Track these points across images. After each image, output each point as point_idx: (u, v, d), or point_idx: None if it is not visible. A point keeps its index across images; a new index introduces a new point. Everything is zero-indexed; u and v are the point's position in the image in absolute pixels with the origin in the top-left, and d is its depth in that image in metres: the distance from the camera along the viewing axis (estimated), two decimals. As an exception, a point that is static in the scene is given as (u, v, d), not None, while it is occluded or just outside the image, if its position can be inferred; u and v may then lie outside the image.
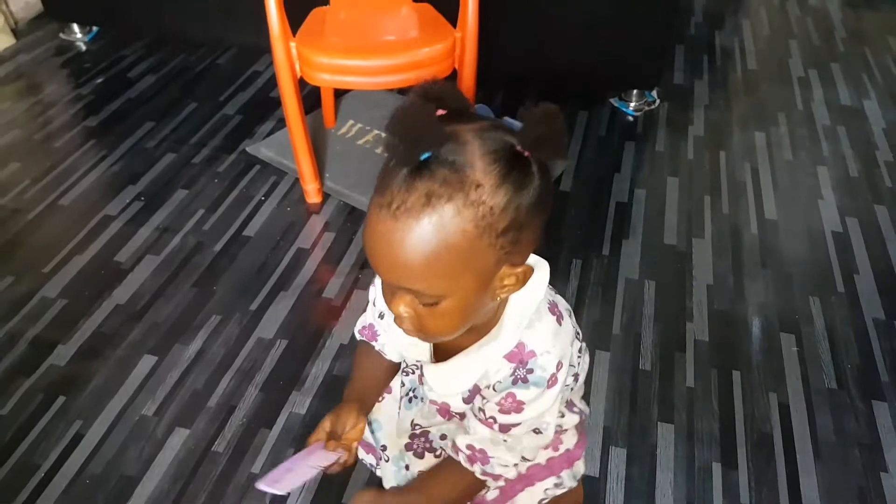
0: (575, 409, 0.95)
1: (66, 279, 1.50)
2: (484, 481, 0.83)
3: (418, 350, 0.81)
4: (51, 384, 1.30)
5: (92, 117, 1.99)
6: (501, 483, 0.84)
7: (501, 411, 0.76)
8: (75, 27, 2.31)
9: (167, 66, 2.20)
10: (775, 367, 1.35)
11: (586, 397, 1.28)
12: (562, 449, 0.93)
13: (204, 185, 1.76)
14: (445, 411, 0.86)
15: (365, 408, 0.88)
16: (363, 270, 1.54)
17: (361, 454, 1.02)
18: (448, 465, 0.85)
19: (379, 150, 1.88)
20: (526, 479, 0.92)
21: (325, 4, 1.69)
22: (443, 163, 0.60)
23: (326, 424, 0.82)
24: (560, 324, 0.76)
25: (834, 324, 1.44)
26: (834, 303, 1.49)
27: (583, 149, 1.92)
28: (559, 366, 0.74)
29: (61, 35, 2.32)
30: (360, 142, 1.91)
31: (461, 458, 0.82)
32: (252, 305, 1.46)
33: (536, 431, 0.79)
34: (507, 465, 0.81)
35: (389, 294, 0.68)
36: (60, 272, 1.52)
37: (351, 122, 1.98)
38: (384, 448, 0.96)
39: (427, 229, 0.60)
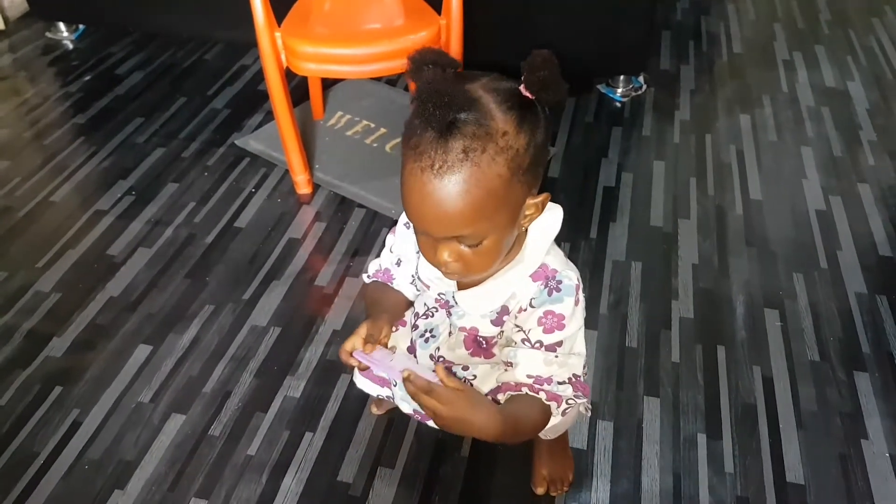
0: None
1: (59, 273, 1.52)
2: (549, 409, 0.84)
3: (446, 282, 0.87)
4: (47, 375, 1.32)
5: (81, 114, 2.00)
6: (564, 407, 0.85)
7: (545, 331, 0.82)
8: (62, 26, 2.31)
9: (155, 63, 2.21)
10: (759, 341, 1.37)
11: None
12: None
13: (194, 179, 1.78)
14: (472, 340, 0.89)
15: (393, 319, 0.90)
16: (354, 258, 1.56)
17: (375, 389, 1.06)
18: (518, 396, 0.84)
19: (388, 147, 1.90)
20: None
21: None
22: (467, 120, 0.68)
23: (363, 331, 0.82)
24: (566, 260, 0.87)
25: (817, 299, 1.46)
26: (817, 279, 1.51)
27: (570, 135, 1.94)
28: (578, 286, 0.83)
29: (48, 34, 2.33)
30: (349, 132, 1.93)
31: (525, 391, 0.83)
32: (245, 295, 1.48)
33: (574, 353, 0.86)
34: (563, 383, 0.84)
35: (433, 247, 0.76)
36: (54, 266, 1.54)
37: (339, 113, 2.00)
38: None
39: (470, 181, 0.68)
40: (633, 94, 2.10)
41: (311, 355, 1.35)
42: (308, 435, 1.22)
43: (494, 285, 0.83)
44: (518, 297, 0.83)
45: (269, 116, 1.91)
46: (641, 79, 2.13)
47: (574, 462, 1.16)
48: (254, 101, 2.04)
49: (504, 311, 0.84)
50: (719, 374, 1.31)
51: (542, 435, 0.99)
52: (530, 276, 0.82)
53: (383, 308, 0.92)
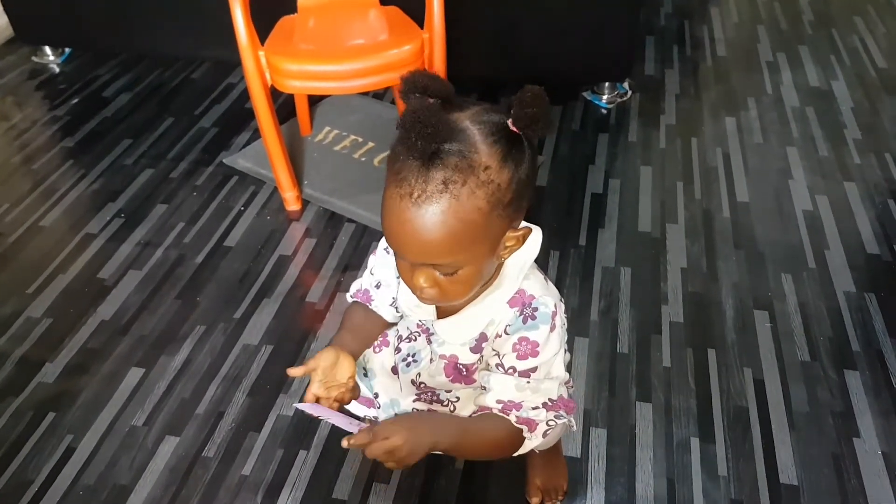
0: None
1: (50, 298, 1.52)
2: (520, 432, 0.84)
3: (424, 310, 0.88)
4: (40, 401, 1.31)
5: (69, 138, 2.00)
6: (537, 434, 0.85)
7: (519, 357, 0.82)
8: (47, 50, 2.32)
9: (142, 84, 2.22)
10: (749, 343, 1.38)
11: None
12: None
13: (183, 199, 1.78)
14: (452, 367, 0.89)
15: (362, 346, 0.94)
16: (345, 274, 1.57)
17: (360, 409, 1.05)
18: (485, 413, 0.85)
19: (377, 161, 1.91)
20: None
21: (293, 13, 1.72)
22: (451, 151, 0.69)
23: (324, 362, 0.83)
24: (547, 282, 0.86)
25: (806, 299, 1.47)
26: (806, 279, 1.52)
27: (557, 143, 1.95)
28: (556, 307, 0.83)
29: (34, 58, 2.33)
30: (338, 147, 1.94)
31: (495, 412, 0.84)
32: (236, 314, 1.48)
33: (549, 378, 0.85)
34: (537, 408, 0.84)
35: (409, 271, 0.76)
36: (44, 292, 1.53)
37: (327, 128, 2.00)
38: (376, 395, 1.01)
39: (448, 212, 0.69)
40: (619, 100, 2.11)
41: (304, 372, 1.35)
42: (302, 453, 1.22)
43: (472, 313, 0.83)
44: (496, 324, 0.83)
45: (257, 134, 1.90)
46: (626, 85, 2.14)
47: (568, 470, 1.17)
48: (241, 119, 2.05)
49: (483, 338, 0.85)
50: (710, 378, 1.32)
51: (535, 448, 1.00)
52: (507, 301, 0.82)
53: (355, 332, 0.92)
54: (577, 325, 1.42)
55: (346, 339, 0.91)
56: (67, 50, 2.35)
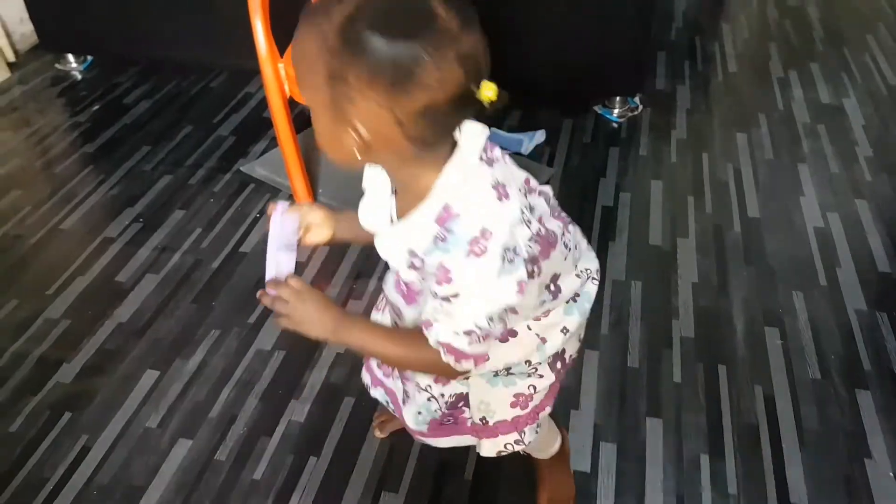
0: (558, 367, 0.95)
1: (69, 300, 1.55)
2: (439, 354, 0.80)
3: (377, 219, 0.84)
4: (57, 401, 1.34)
5: (89, 144, 2.04)
6: (465, 366, 0.80)
7: (436, 282, 0.75)
8: (70, 57, 2.36)
9: (161, 92, 2.25)
10: (760, 360, 1.39)
11: (575, 397, 1.32)
12: (530, 406, 0.95)
13: (200, 205, 1.81)
14: (398, 282, 0.88)
15: (336, 223, 0.93)
16: (357, 281, 1.58)
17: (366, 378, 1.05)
18: (410, 329, 0.87)
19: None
20: (490, 431, 0.95)
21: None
22: None
23: (311, 217, 0.90)
24: (501, 200, 0.75)
25: (817, 316, 1.48)
26: (817, 296, 1.52)
27: (568, 156, 1.96)
28: (485, 234, 0.73)
29: (57, 65, 2.37)
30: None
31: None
32: (250, 319, 1.50)
33: (492, 321, 0.77)
34: (456, 333, 0.77)
35: None
36: (63, 294, 1.56)
37: (342, 138, 2.03)
38: None
39: (300, 36, 0.69)
40: (630, 114, 2.12)
41: (315, 379, 1.37)
42: (312, 459, 1.23)
43: (401, 229, 0.78)
44: (416, 242, 0.76)
45: (274, 143, 1.94)
46: (637, 99, 2.16)
47: (577, 485, 1.17)
48: (259, 127, 2.08)
49: (413, 255, 0.78)
50: (721, 394, 1.32)
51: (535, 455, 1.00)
52: (435, 219, 0.74)
53: (352, 219, 0.89)
54: (586, 338, 1.42)
55: (342, 216, 0.92)
56: (90, 58, 2.38)
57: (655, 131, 2.06)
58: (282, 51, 1.60)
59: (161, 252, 1.67)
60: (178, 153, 1.99)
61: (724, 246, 1.66)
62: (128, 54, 2.36)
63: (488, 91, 0.70)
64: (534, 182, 0.85)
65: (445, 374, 0.86)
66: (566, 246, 0.87)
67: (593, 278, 0.95)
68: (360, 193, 0.87)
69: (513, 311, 0.78)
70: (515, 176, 0.81)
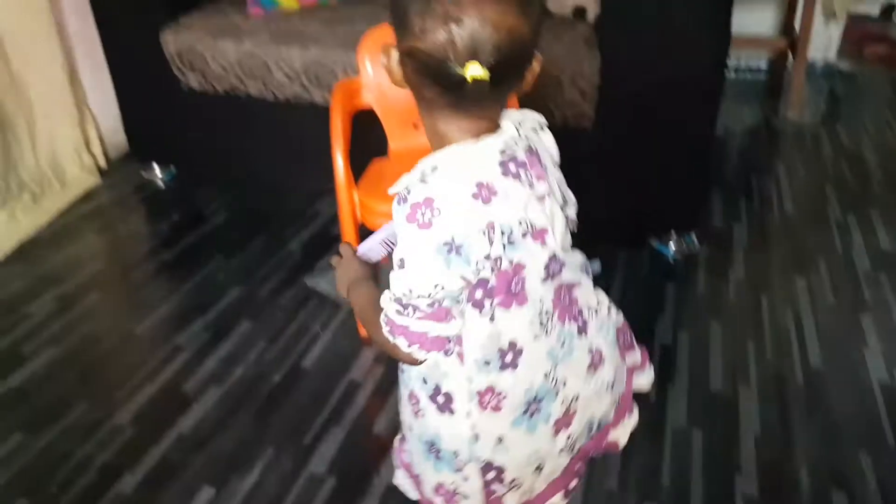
0: (490, 484, 0.88)
1: (136, 407, 1.60)
2: (386, 337, 0.82)
3: None
4: (117, 513, 1.36)
5: (167, 251, 2.16)
6: (399, 343, 0.81)
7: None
8: (156, 167, 2.53)
9: (238, 205, 2.39)
10: (827, 524, 1.34)
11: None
12: None
13: (267, 317, 1.88)
14: None
15: None
16: (414, 407, 1.60)
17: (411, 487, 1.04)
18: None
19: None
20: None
21: (385, 156, 1.86)
22: None
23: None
24: (474, 199, 0.75)
25: (886, 480, 1.42)
26: (885, 458, 1.47)
27: (625, 289, 1.99)
28: (430, 205, 0.73)
29: (143, 174, 2.55)
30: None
31: None
32: (305, 439, 1.52)
33: (420, 296, 0.76)
34: (390, 298, 0.80)
35: None
36: (131, 400, 1.62)
37: (404, 258, 2.10)
38: None
39: None
40: (686, 250, 2.15)
41: (369, 508, 1.37)
42: None
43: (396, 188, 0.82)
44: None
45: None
46: (694, 236, 2.19)
47: None
48: (326, 243, 2.17)
49: None
50: (786, 559, 1.27)
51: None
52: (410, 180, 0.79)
53: None
54: (645, 488, 1.40)
55: None
56: (174, 168, 2.56)
57: (713, 269, 2.08)
58: (355, 178, 1.70)
59: (227, 364, 1.72)
60: (249, 265, 2.08)
61: (787, 396, 1.63)
62: (210, 168, 2.52)
63: (473, 67, 0.70)
64: (553, 241, 0.82)
65: (389, 349, 0.83)
66: (542, 324, 0.83)
67: (573, 399, 0.87)
68: None
69: (448, 297, 0.76)
70: (522, 205, 0.78)
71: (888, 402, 1.62)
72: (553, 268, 0.83)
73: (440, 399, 0.86)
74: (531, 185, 0.79)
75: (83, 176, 2.46)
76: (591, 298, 0.93)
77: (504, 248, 0.77)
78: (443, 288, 0.76)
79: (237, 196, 2.43)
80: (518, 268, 0.79)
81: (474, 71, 0.70)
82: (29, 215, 2.24)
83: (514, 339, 0.82)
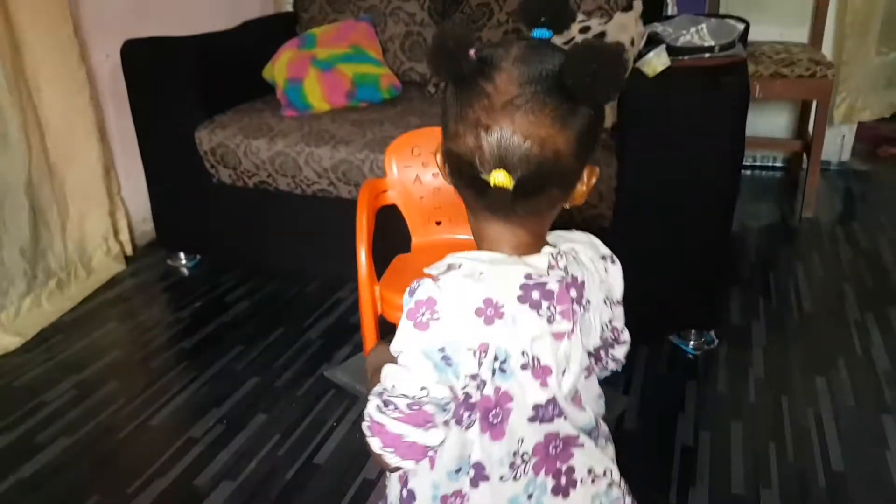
0: None
1: (147, 501, 1.58)
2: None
3: None
4: None
5: (187, 340, 2.18)
6: (372, 443, 0.81)
7: None
8: (181, 255, 2.60)
9: (260, 293, 2.43)
10: None
11: None
12: None
13: (282, 409, 1.87)
14: None
15: None
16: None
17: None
18: None
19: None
20: None
21: (408, 251, 1.91)
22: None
23: None
24: (477, 315, 0.73)
25: None
26: (917, 570, 1.42)
27: (644, 385, 1.97)
28: (430, 304, 0.74)
29: (168, 261, 2.61)
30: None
31: None
32: (318, 538, 1.49)
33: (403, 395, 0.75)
34: (374, 394, 0.80)
35: None
36: (143, 494, 1.60)
37: (420, 350, 2.11)
38: None
39: None
40: (706, 347, 2.14)
41: None
42: None
43: None
44: None
45: (358, 348, 2.04)
46: (713, 333, 2.19)
47: None
48: (345, 333, 2.19)
49: None
50: None
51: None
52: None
53: None
54: None
55: None
56: (198, 256, 2.62)
57: (732, 367, 2.07)
58: (378, 275, 1.74)
59: (240, 458, 1.71)
60: (268, 354, 2.10)
61: (809, 500, 1.59)
62: (235, 257, 2.58)
63: (497, 175, 0.70)
64: (557, 384, 0.76)
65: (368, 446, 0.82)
66: (512, 466, 0.77)
67: None
68: None
69: (433, 404, 0.74)
70: (529, 337, 0.74)
71: (917, 511, 1.56)
72: (546, 412, 0.78)
73: (404, 493, 0.84)
74: (550, 320, 0.75)
75: (109, 263, 2.53)
76: (597, 465, 0.84)
77: (494, 373, 0.74)
78: (428, 393, 0.73)
79: (260, 284, 2.48)
80: (504, 398, 0.76)
81: (498, 178, 0.70)
82: (53, 302, 2.29)
83: (480, 461, 0.78)
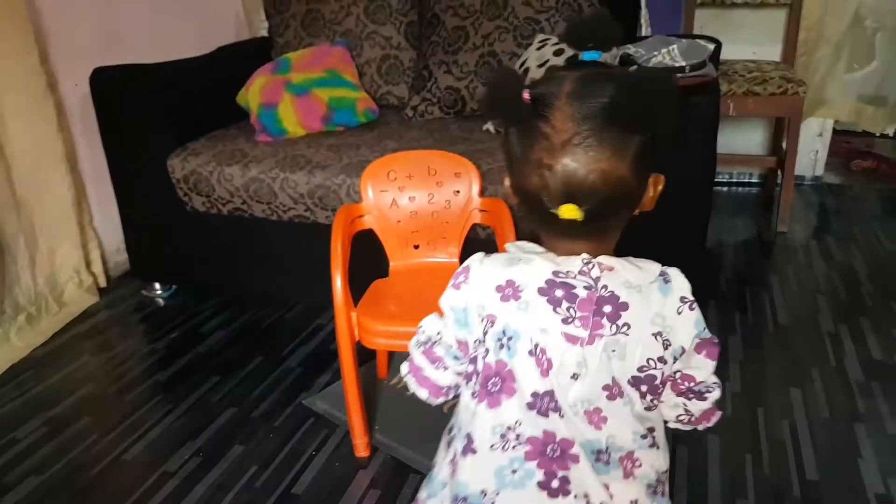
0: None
1: (122, 539, 1.55)
2: None
3: None
4: None
5: (162, 372, 2.15)
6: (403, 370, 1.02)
7: None
8: (156, 285, 2.58)
9: (237, 321, 2.41)
10: None
11: None
12: None
13: (260, 440, 1.85)
14: None
15: None
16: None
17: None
18: None
19: (445, 408, 1.96)
20: None
21: (386, 276, 1.90)
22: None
23: None
24: (497, 291, 0.84)
25: None
26: (894, 580, 1.43)
27: (622, 404, 1.97)
28: (466, 271, 0.89)
29: (143, 292, 2.58)
30: (410, 392, 2.01)
31: None
32: (297, 571, 1.47)
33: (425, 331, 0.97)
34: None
35: None
36: (117, 531, 1.57)
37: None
38: None
39: None
40: (683, 362, 2.16)
41: None
42: None
43: None
44: None
45: (337, 375, 2.00)
46: (690, 348, 2.20)
47: None
48: (325, 360, 2.18)
49: None
50: None
51: None
52: None
53: None
54: None
55: None
56: (174, 286, 2.60)
57: (708, 383, 2.08)
58: (355, 301, 1.73)
59: (216, 490, 1.68)
60: (245, 385, 2.08)
61: (789, 514, 1.60)
62: (211, 285, 2.57)
63: (566, 209, 0.77)
64: (557, 381, 0.80)
65: None
66: (503, 436, 0.82)
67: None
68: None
69: (443, 346, 0.92)
70: (538, 328, 0.82)
71: (891, 519, 1.58)
72: (542, 403, 0.81)
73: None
74: (566, 321, 0.80)
75: (82, 295, 2.49)
76: (593, 493, 0.82)
77: (501, 347, 0.81)
78: (441, 337, 0.90)
79: (237, 313, 2.46)
80: (508, 375, 0.82)
81: (567, 213, 0.77)
82: (23, 337, 2.26)
83: (471, 432, 0.86)
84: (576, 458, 0.82)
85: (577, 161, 0.74)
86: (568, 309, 0.80)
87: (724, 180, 3.67)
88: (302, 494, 1.67)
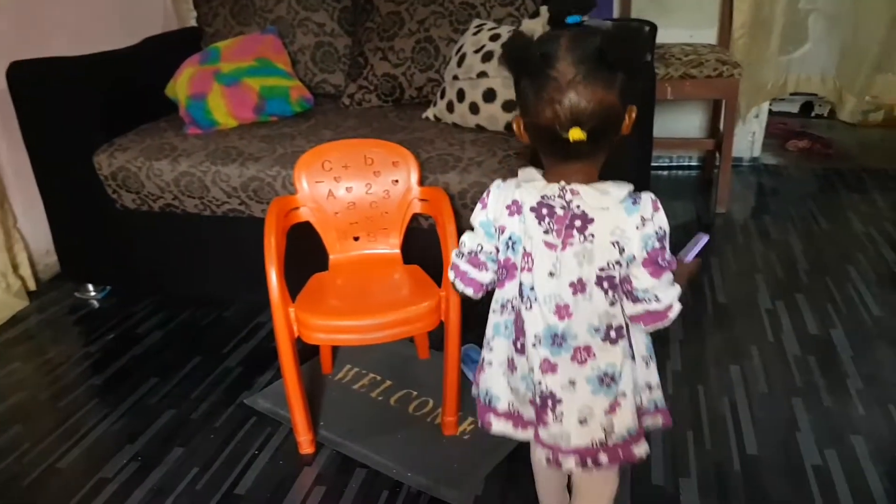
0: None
1: (55, 550, 1.50)
2: None
3: None
4: None
5: (98, 375, 2.09)
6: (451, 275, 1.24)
7: None
8: (89, 286, 2.49)
9: (175, 321, 2.35)
10: None
11: None
12: None
13: (200, 442, 1.81)
14: None
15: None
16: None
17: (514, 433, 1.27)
18: None
19: (392, 401, 1.94)
20: None
21: (325, 269, 1.87)
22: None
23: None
24: (507, 207, 1.11)
25: (830, 571, 1.42)
26: (827, 547, 1.47)
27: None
28: (488, 192, 1.15)
29: (76, 293, 2.50)
30: (356, 386, 1.99)
31: None
32: (241, 573, 1.44)
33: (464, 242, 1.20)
34: None
35: None
36: (51, 542, 1.52)
37: (348, 366, 2.08)
38: None
39: None
40: (626, 344, 2.19)
41: None
42: None
43: None
44: None
45: (279, 374, 1.98)
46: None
47: None
48: (266, 358, 2.14)
49: None
50: None
51: None
52: None
53: None
54: None
55: None
56: (108, 287, 2.51)
57: (650, 363, 2.11)
58: (293, 296, 1.70)
59: (155, 495, 1.64)
60: (184, 386, 2.03)
61: (726, 487, 1.63)
62: (146, 285, 2.49)
63: (574, 131, 0.99)
64: (540, 276, 1.09)
65: None
66: (503, 307, 1.17)
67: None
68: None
69: (484, 254, 1.17)
70: (528, 235, 1.09)
71: (821, 485, 1.63)
72: (530, 293, 1.11)
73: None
74: (546, 232, 1.07)
75: (10, 300, 2.40)
76: (537, 365, 1.13)
77: (508, 248, 1.12)
78: (481, 248, 1.16)
79: (175, 312, 2.39)
80: (510, 265, 1.13)
81: (575, 134, 0.99)
82: (-51, 347, 2.16)
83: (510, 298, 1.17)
84: (538, 340, 1.12)
85: (579, 94, 0.98)
86: (548, 223, 1.06)
87: (664, 164, 3.74)
88: (245, 494, 1.64)
